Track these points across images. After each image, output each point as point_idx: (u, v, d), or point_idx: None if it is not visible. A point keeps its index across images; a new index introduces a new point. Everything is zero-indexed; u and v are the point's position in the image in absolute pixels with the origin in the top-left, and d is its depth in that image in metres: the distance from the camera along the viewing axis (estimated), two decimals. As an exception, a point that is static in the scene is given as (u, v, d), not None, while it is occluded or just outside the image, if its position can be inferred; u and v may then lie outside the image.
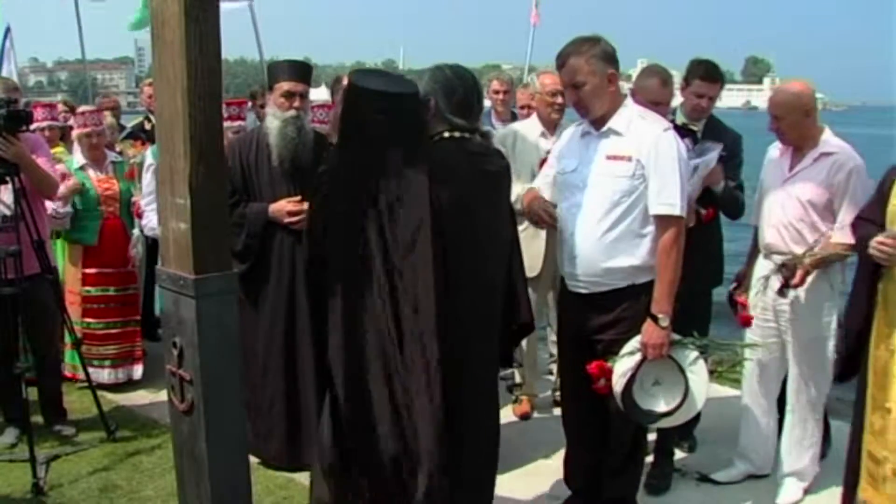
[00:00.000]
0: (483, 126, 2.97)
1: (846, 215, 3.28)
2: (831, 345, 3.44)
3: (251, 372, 3.74)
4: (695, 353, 3.06)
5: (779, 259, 3.43)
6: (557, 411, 3.79)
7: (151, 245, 5.10)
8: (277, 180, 3.87)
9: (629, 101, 3.15)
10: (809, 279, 3.33)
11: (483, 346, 2.82)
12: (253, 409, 3.75)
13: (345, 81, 3.21)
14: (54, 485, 3.71)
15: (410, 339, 2.51)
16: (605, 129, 3.06)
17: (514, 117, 5.44)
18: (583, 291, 3.13)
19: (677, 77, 4.07)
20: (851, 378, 3.12)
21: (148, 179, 4.71)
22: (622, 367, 3.01)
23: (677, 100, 3.97)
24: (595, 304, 3.11)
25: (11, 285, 3.77)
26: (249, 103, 5.56)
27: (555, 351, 4.50)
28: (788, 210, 3.42)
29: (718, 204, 3.75)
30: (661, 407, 3.05)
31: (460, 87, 2.79)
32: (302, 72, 3.94)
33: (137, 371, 5.06)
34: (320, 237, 2.63)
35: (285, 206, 3.80)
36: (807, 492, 3.60)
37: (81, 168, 4.89)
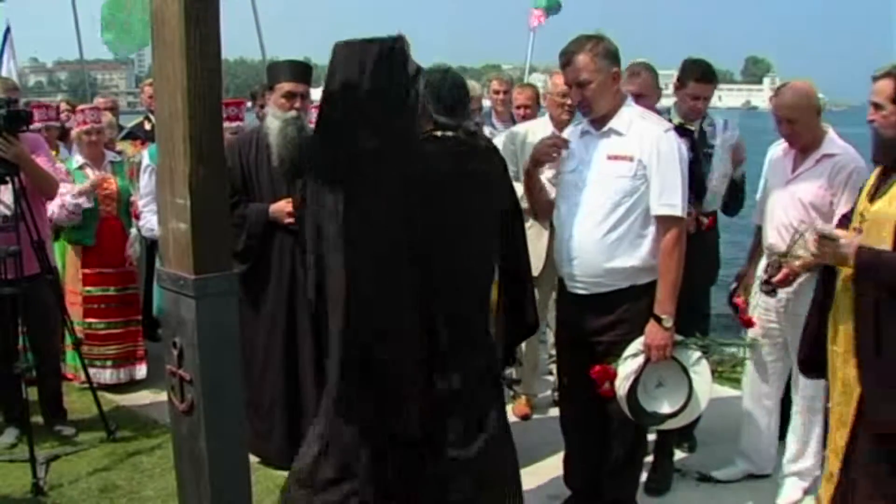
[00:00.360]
0: (471, 125, 2.96)
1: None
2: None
3: (251, 371, 3.74)
4: (697, 354, 3.06)
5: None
6: (557, 411, 3.78)
7: (150, 246, 5.10)
8: (277, 180, 3.87)
9: (630, 100, 3.15)
10: (802, 279, 3.29)
11: (463, 347, 2.79)
12: (253, 409, 3.74)
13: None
14: (54, 485, 3.71)
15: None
16: (605, 128, 3.05)
17: (512, 117, 5.44)
18: (583, 293, 3.11)
19: (671, 77, 4.08)
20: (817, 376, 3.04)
21: (145, 181, 4.70)
22: (626, 369, 2.99)
23: (670, 100, 3.97)
24: (595, 305, 3.09)
25: (11, 285, 3.77)
26: (248, 103, 5.56)
27: (554, 352, 4.50)
28: (790, 211, 3.41)
29: (733, 190, 3.84)
30: (665, 409, 3.05)
31: (445, 86, 2.80)
32: (303, 72, 3.95)
33: (141, 371, 5.07)
34: (313, 234, 2.65)
35: (285, 207, 3.79)
36: (807, 492, 3.60)
37: (80, 168, 4.88)
